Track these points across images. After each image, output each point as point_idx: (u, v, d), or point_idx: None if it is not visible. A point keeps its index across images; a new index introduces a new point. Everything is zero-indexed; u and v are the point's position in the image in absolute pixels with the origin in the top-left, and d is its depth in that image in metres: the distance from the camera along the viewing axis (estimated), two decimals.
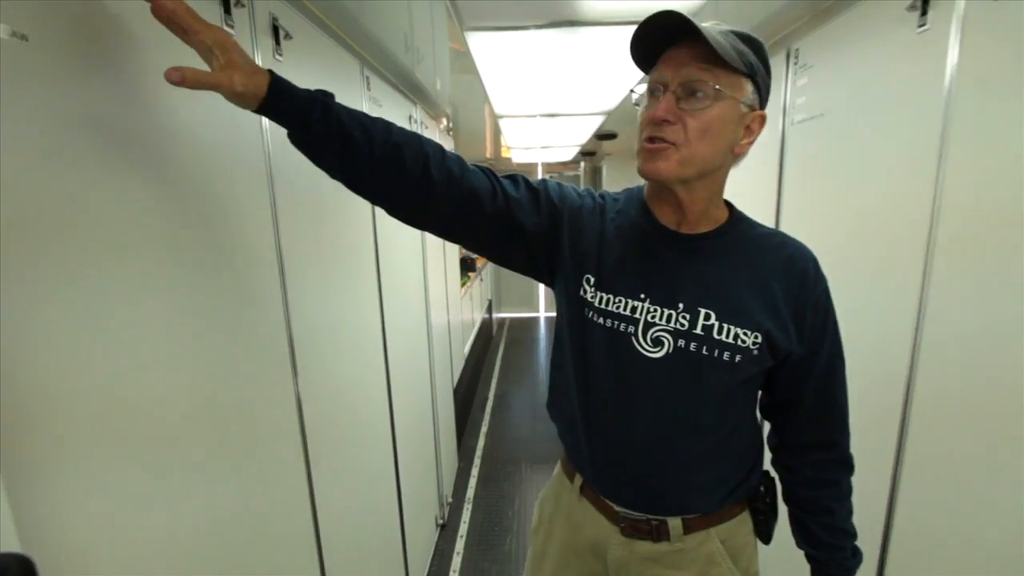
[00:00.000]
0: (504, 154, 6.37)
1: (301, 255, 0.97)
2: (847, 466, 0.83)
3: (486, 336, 5.25)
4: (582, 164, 6.82)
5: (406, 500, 1.73)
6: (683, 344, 0.74)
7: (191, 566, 0.64)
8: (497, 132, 4.55)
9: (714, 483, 0.81)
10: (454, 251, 3.09)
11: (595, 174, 6.63)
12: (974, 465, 0.82)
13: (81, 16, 0.52)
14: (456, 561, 2.14)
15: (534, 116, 3.30)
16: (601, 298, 0.77)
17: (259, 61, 0.85)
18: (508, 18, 1.41)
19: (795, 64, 1.28)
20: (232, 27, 0.78)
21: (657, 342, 0.75)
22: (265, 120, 0.85)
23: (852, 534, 0.84)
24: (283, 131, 0.71)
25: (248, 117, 0.72)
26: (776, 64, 1.36)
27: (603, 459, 0.81)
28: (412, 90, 1.90)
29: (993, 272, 0.77)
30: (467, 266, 4.27)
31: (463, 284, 3.67)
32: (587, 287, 0.78)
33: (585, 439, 0.82)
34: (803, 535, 0.86)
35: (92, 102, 0.52)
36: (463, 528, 2.38)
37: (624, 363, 0.76)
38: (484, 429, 3.44)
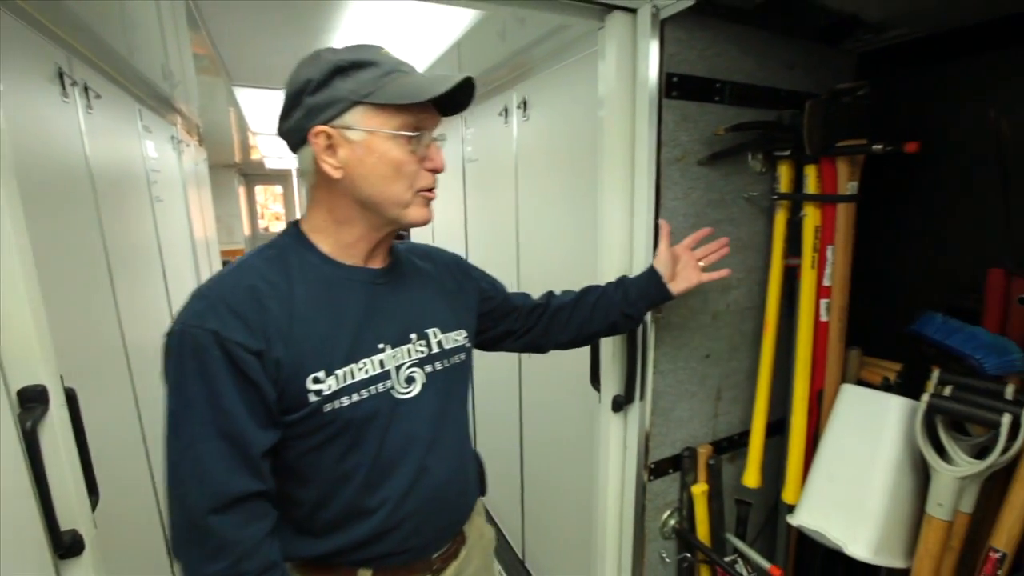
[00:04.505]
0: (254, 155, 6.24)
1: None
2: (553, 294, 1.04)
3: None
4: None
5: None
6: (431, 369, 0.77)
7: None
8: (244, 137, 4.60)
9: (476, 464, 0.90)
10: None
11: None
12: None
13: None
14: None
15: None
16: (345, 375, 0.68)
17: (81, 118, 1.18)
18: (267, 81, 1.87)
19: (464, 128, 2.11)
20: (68, 99, 1.12)
21: (410, 380, 0.74)
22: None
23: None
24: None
25: None
26: (456, 125, 2.18)
27: (419, 515, 0.75)
28: (172, 113, 2.14)
29: (549, 217, 1.68)
30: None
31: None
32: (316, 385, 0.66)
33: (387, 513, 0.72)
34: (627, 311, 0.99)
35: None
36: None
37: (398, 417, 0.72)
38: None
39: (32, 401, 0.70)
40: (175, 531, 0.63)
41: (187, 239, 2.27)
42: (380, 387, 0.71)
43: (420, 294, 0.81)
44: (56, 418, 0.74)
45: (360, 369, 0.69)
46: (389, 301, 0.76)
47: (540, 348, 1.02)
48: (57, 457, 0.74)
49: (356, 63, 0.66)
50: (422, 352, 0.76)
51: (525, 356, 1.86)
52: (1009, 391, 0.95)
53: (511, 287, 1.84)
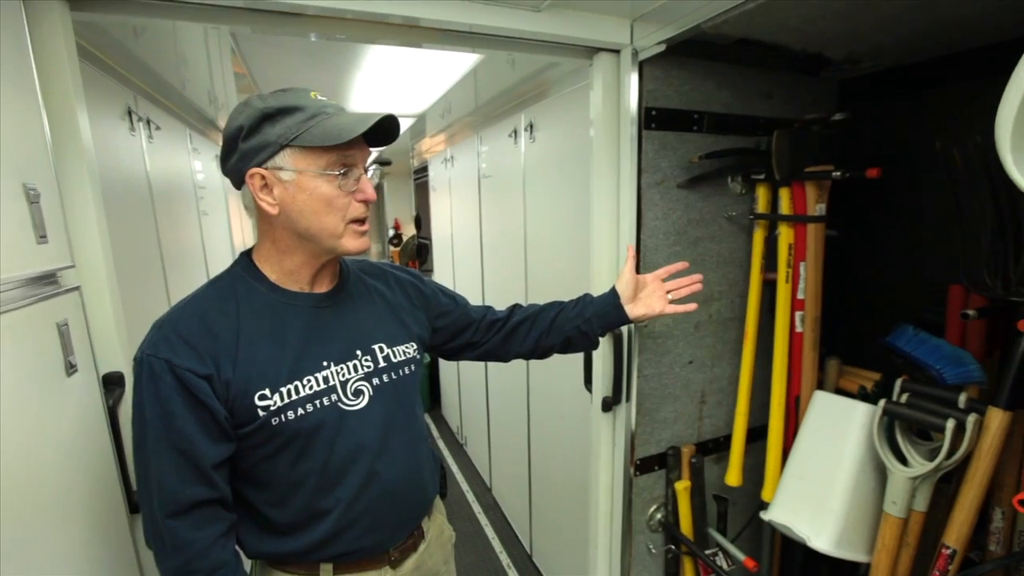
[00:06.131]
0: None
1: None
2: (519, 306, 1.10)
3: None
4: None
5: None
6: (378, 382, 0.83)
7: None
8: None
9: (433, 467, 0.96)
10: None
11: (378, 190, 7.47)
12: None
13: None
14: None
15: None
16: (289, 391, 0.75)
17: (144, 146, 1.38)
18: None
19: (479, 146, 2.26)
20: (135, 133, 1.31)
21: (358, 393, 0.81)
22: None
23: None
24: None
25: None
26: (472, 143, 2.34)
27: (372, 514, 0.82)
28: (216, 132, 2.37)
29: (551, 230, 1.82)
30: None
31: None
32: (263, 402, 0.74)
33: (340, 514, 0.80)
34: (582, 327, 1.05)
35: None
36: None
37: (346, 427, 0.79)
38: None
39: (113, 384, 0.87)
40: (145, 526, 0.73)
41: (228, 246, 2.49)
42: (325, 400, 0.77)
43: (367, 312, 0.87)
44: (130, 398, 0.91)
45: (304, 385, 0.76)
46: (332, 321, 0.82)
47: (499, 358, 1.10)
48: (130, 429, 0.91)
49: (282, 109, 0.72)
50: (368, 367, 0.83)
51: (532, 364, 1.99)
52: (962, 399, 1.03)
53: (520, 288, 2.00)
